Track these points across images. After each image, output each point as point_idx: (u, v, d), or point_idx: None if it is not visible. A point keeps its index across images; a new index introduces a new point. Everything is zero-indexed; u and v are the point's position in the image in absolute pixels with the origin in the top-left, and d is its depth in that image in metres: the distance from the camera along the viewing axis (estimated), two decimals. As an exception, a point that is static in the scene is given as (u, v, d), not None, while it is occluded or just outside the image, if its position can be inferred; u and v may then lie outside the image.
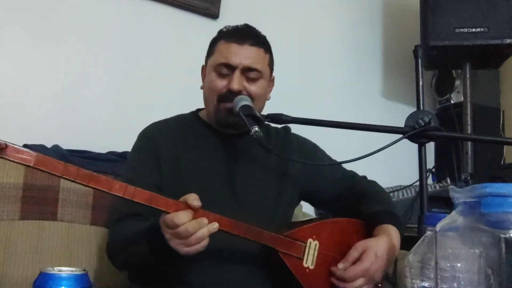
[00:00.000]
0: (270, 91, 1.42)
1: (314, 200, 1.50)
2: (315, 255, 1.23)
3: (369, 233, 1.28)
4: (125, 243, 1.20)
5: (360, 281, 1.17)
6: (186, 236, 1.01)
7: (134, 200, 1.02)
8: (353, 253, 1.20)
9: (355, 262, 1.19)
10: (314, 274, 1.22)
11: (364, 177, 1.49)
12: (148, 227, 1.11)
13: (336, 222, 1.32)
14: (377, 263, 1.18)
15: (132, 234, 1.17)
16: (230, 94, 1.28)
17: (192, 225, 1.01)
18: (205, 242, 1.04)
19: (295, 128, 1.41)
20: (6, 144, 0.91)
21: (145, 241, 1.11)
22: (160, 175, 1.28)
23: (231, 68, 1.29)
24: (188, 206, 1.04)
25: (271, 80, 1.42)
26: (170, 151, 1.32)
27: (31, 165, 0.93)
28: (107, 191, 0.99)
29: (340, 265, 1.20)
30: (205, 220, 1.04)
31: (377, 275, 1.19)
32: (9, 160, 0.91)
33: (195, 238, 1.02)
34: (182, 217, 1.01)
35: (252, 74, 1.31)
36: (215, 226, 1.05)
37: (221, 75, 1.30)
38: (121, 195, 1.00)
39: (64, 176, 0.96)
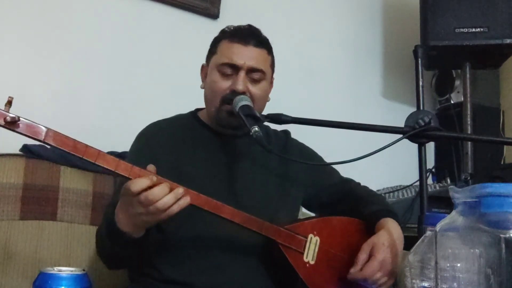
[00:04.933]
0: (269, 92, 1.42)
1: (312, 204, 1.50)
2: (316, 250, 1.24)
3: (369, 232, 1.28)
4: (99, 236, 1.21)
5: (378, 274, 1.18)
6: (150, 202, 1.00)
7: None
8: (362, 256, 1.20)
9: (366, 262, 1.20)
10: (314, 269, 1.22)
11: (359, 183, 1.51)
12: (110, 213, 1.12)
13: (337, 220, 1.32)
14: (388, 252, 1.19)
15: (101, 225, 1.19)
16: (233, 95, 1.26)
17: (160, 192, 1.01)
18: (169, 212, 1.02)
19: (295, 128, 1.41)
20: (19, 118, 0.96)
21: (105, 226, 1.13)
22: None
23: (235, 68, 1.28)
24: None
25: (271, 82, 1.42)
26: (168, 152, 1.31)
27: (42, 139, 0.98)
28: (113, 170, 1.03)
29: (353, 270, 1.20)
30: (180, 190, 1.03)
31: (392, 265, 1.20)
32: (20, 133, 0.96)
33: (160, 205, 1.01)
34: (142, 182, 1.01)
35: (256, 75, 1.30)
36: (187, 200, 1.04)
37: (225, 76, 1.29)
38: (127, 175, 1.04)
39: (73, 153, 1.00)
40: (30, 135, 0.96)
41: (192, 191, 1.08)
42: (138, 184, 1.00)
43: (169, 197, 1.01)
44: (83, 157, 1.01)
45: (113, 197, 1.28)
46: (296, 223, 1.24)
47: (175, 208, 1.03)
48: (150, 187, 1.01)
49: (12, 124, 0.95)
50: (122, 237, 1.07)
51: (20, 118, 0.96)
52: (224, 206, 1.11)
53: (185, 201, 1.04)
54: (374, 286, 1.19)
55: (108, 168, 1.04)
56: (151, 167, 1.06)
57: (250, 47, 1.29)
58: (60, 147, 0.99)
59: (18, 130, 0.96)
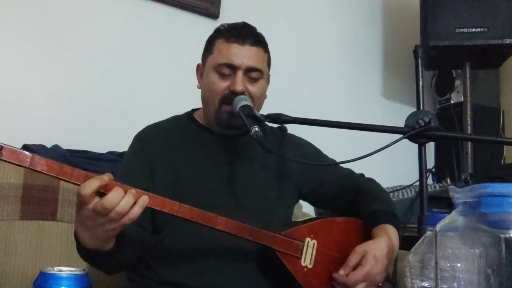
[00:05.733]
0: (266, 89, 1.42)
1: (313, 199, 1.50)
2: (313, 254, 1.23)
3: (367, 232, 1.28)
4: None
5: (361, 286, 1.18)
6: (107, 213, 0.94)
7: None
8: (353, 259, 1.20)
9: (355, 267, 1.19)
10: (312, 273, 1.22)
11: (362, 175, 1.49)
12: None
13: (334, 221, 1.32)
14: (377, 266, 1.18)
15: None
16: (232, 96, 1.26)
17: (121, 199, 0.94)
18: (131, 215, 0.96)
19: (295, 128, 1.41)
20: (2, 146, 0.91)
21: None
22: (151, 181, 1.26)
23: (233, 68, 1.27)
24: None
25: (267, 78, 1.41)
26: (165, 154, 1.30)
27: (27, 166, 0.93)
28: (102, 191, 0.98)
29: (341, 272, 1.20)
30: (133, 191, 0.96)
31: (378, 277, 1.20)
32: (5, 161, 0.92)
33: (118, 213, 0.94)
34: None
35: (254, 74, 1.29)
36: (145, 198, 0.98)
37: (223, 76, 1.28)
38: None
39: (60, 177, 0.96)
40: (15, 162, 0.92)
41: (185, 205, 1.06)
42: (88, 186, 0.94)
43: (127, 198, 0.95)
44: (71, 180, 0.96)
45: None
46: (292, 228, 1.24)
47: (137, 209, 0.96)
48: (103, 193, 0.95)
49: None
50: (91, 255, 1.04)
51: (4, 146, 0.91)
52: (218, 217, 1.09)
53: (144, 199, 0.98)
54: None
55: (98, 190, 0.97)
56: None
57: (247, 46, 1.28)
58: (46, 172, 0.94)
59: (2, 158, 0.91)
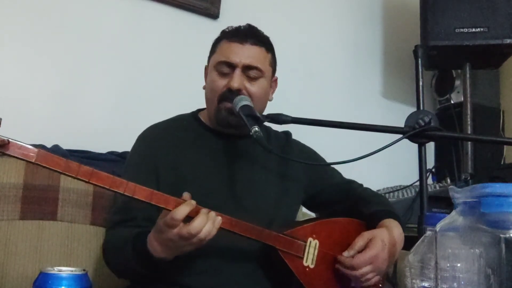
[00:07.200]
0: (273, 92, 1.42)
1: (313, 203, 1.50)
2: (315, 254, 1.24)
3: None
4: (115, 251, 1.21)
5: (367, 268, 1.18)
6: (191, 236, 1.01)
7: (135, 197, 1.02)
8: (359, 242, 1.20)
9: (361, 251, 1.19)
10: (314, 273, 1.22)
11: (361, 185, 1.51)
12: (135, 235, 1.12)
13: (336, 222, 1.32)
14: (384, 251, 1.19)
15: (120, 243, 1.18)
16: (230, 93, 1.27)
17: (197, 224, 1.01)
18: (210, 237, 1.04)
19: (295, 128, 1.41)
20: (8, 140, 0.91)
21: (131, 249, 1.12)
22: (156, 180, 1.27)
23: (232, 66, 1.29)
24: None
25: (274, 81, 1.41)
26: (169, 154, 1.31)
27: (33, 161, 0.93)
28: (108, 187, 1.00)
29: (346, 253, 1.20)
30: (213, 214, 1.04)
31: (384, 264, 1.19)
32: (12, 156, 0.92)
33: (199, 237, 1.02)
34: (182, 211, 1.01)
35: (253, 73, 1.30)
36: (219, 219, 1.06)
37: (222, 74, 1.30)
38: (122, 192, 1.01)
39: (66, 173, 0.96)
40: (21, 158, 0.92)
41: None
42: (181, 211, 1.00)
43: (209, 224, 1.03)
44: (77, 177, 0.97)
45: (115, 213, 1.29)
46: (295, 228, 1.24)
47: (214, 232, 1.04)
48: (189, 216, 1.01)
49: (1, 147, 0.90)
50: (158, 264, 1.09)
51: (10, 141, 0.91)
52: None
53: (219, 221, 1.05)
54: (358, 280, 1.18)
55: (103, 186, 1.00)
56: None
57: (247, 46, 1.30)
58: (52, 168, 0.95)
59: (8, 152, 0.91)
